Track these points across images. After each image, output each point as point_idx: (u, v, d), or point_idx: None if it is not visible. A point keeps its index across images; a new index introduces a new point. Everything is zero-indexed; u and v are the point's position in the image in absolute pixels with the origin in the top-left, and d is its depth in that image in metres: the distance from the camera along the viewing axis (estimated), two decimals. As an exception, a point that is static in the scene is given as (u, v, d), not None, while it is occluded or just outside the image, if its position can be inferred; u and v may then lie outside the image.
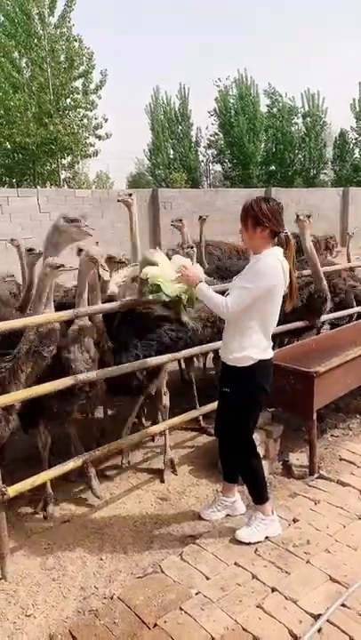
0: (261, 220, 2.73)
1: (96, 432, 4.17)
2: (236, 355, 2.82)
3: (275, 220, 2.75)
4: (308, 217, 4.29)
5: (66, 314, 3.04)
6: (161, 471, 3.77)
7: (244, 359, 2.80)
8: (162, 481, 3.68)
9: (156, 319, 3.62)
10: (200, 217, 6.28)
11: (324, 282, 4.46)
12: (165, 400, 3.85)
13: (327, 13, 75.43)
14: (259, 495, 3.00)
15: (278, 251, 2.81)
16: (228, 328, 2.92)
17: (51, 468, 3.17)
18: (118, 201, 4.32)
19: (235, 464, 3.12)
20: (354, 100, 29.02)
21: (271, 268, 2.71)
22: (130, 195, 4.23)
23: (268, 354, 2.88)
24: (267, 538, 2.91)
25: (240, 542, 2.89)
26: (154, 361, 3.47)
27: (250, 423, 2.98)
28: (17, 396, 2.84)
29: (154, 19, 78.75)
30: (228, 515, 3.20)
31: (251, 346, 2.78)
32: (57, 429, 3.58)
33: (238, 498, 3.23)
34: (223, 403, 3.04)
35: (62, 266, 2.89)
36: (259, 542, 2.88)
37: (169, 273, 3.07)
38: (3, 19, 17.32)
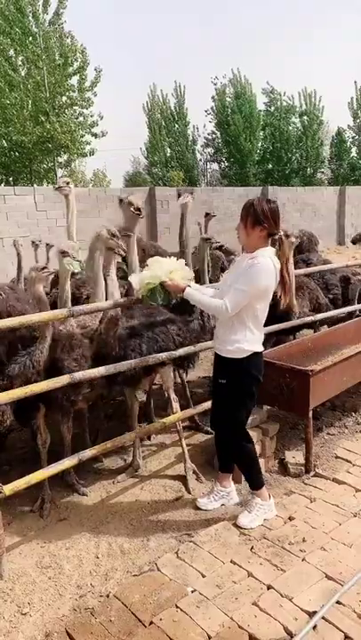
0: (262, 220, 2.80)
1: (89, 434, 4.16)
2: (230, 347, 2.92)
3: (273, 221, 2.83)
4: None
5: (62, 312, 3.04)
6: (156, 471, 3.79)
7: (238, 351, 2.90)
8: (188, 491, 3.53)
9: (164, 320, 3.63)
10: (207, 213, 6.03)
11: None
12: (176, 407, 3.77)
13: (327, 13, 75.44)
14: (255, 480, 3.10)
15: (271, 251, 2.89)
16: (221, 323, 3.00)
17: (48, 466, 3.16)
18: (55, 189, 4.37)
19: (230, 453, 3.20)
20: (351, 98, 29.07)
21: (266, 271, 2.80)
22: (67, 183, 4.38)
23: (260, 347, 2.99)
24: (264, 537, 2.92)
25: (241, 528, 2.98)
26: (150, 359, 3.46)
27: (245, 412, 3.08)
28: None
29: (154, 19, 78.56)
30: (222, 504, 3.26)
31: (244, 340, 2.89)
32: (62, 420, 3.58)
33: (233, 488, 3.31)
34: (219, 393, 3.11)
35: (45, 268, 3.15)
36: (258, 526, 3.00)
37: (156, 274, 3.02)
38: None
